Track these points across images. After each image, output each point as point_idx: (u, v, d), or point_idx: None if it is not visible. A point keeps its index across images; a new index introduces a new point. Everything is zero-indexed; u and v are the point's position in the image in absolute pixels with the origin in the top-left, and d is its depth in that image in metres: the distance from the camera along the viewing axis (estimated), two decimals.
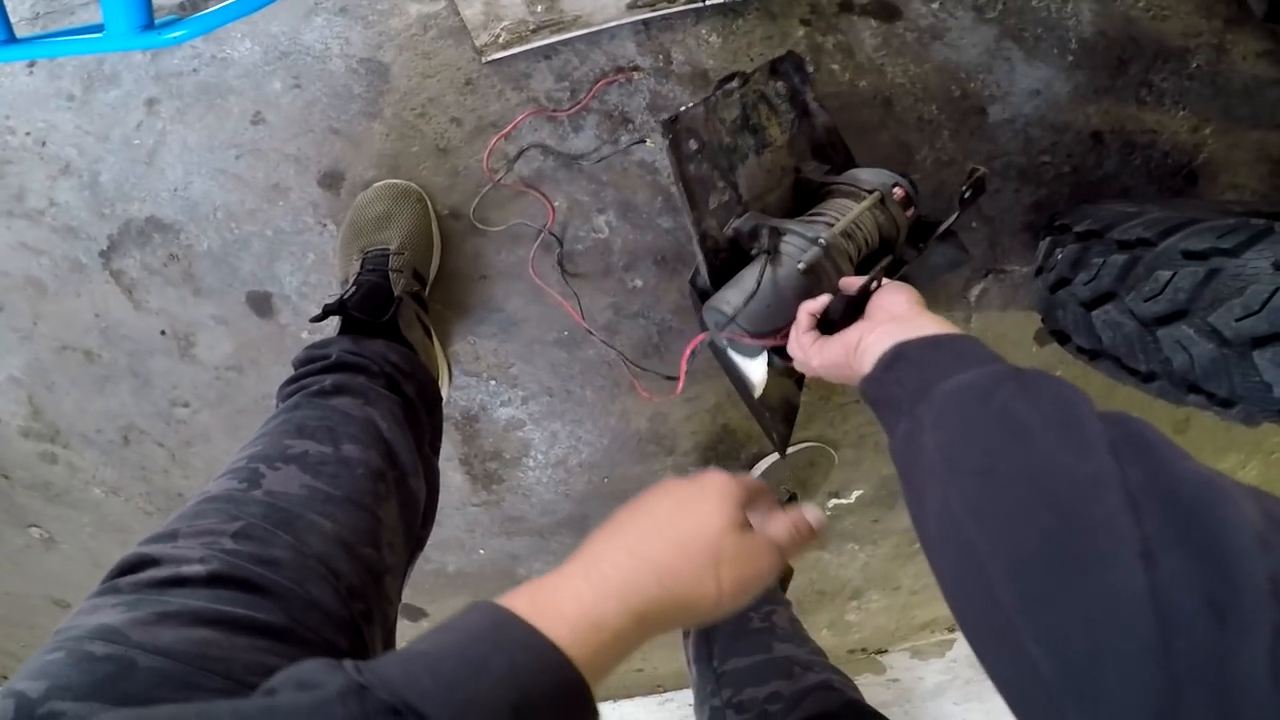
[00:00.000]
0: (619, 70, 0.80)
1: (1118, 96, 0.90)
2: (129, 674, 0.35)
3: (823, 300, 0.58)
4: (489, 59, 0.77)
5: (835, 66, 0.84)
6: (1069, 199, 0.95)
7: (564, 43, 0.79)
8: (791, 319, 0.60)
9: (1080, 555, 0.29)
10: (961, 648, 1.36)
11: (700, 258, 0.68)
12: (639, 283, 0.89)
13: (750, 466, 1.04)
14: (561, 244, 0.85)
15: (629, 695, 1.25)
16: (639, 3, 0.77)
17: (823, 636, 1.32)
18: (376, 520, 0.53)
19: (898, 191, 0.70)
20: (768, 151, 0.74)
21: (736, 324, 0.64)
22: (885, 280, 0.56)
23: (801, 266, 0.63)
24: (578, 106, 0.80)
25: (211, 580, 0.41)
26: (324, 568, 0.46)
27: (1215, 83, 0.90)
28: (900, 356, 0.46)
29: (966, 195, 0.63)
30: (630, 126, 0.83)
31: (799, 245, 0.65)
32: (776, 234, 0.65)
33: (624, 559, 0.36)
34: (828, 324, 0.58)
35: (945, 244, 0.74)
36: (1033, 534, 0.31)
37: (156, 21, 0.66)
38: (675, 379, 0.94)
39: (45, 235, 0.78)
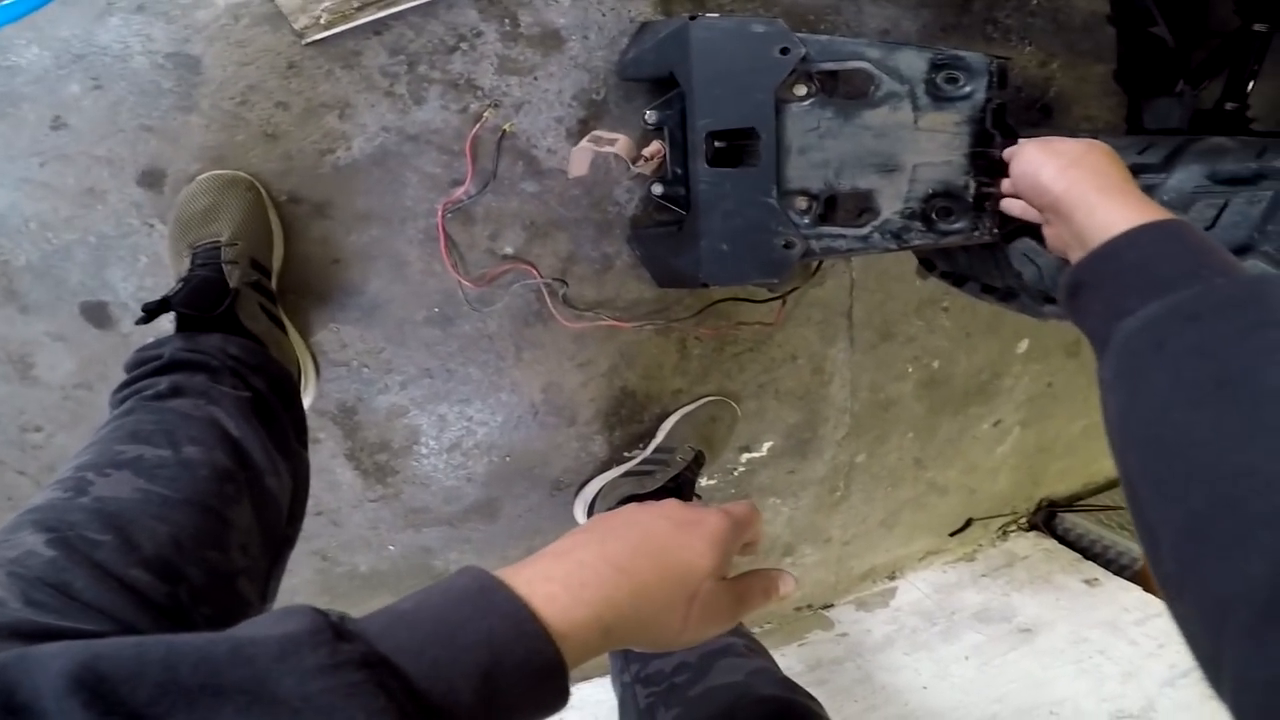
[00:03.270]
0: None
1: (965, 34, 0.92)
2: None
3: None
4: (310, 40, 0.73)
5: None
6: None
7: (395, 16, 0.76)
8: None
9: (1217, 543, 0.30)
10: (904, 595, 1.34)
11: None
12: (509, 250, 0.86)
13: (656, 427, 1.02)
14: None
15: (586, 678, 1.22)
16: None
17: None
18: (224, 523, 0.50)
19: None
20: None
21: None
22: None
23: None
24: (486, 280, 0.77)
25: (25, 597, 0.39)
26: (151, 573, 0.43)
27: (1056, 19, 0.93)
28: (1081, 286, 0.46)
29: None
30: (479, 93, 0.81)
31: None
32: None
33: (608, 572, 0.35)
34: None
35: None
36: (1186, 513, 0.32)
37: None
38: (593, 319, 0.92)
39: None
